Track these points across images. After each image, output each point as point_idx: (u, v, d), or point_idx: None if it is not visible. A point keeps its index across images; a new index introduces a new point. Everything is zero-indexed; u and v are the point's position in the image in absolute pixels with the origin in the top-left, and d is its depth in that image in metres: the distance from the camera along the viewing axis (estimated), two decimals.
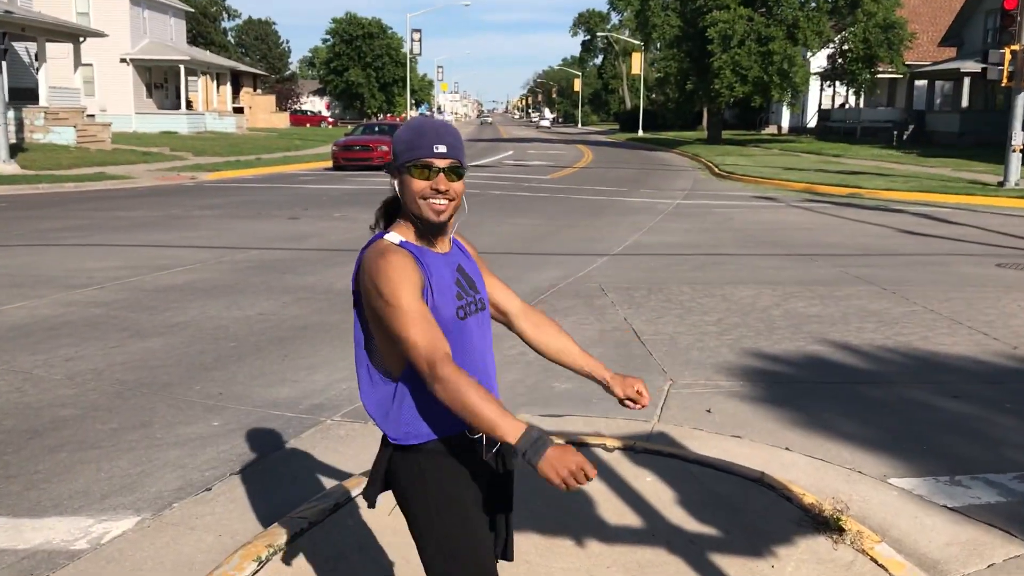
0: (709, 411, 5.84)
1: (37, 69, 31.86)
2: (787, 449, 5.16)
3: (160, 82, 46.61)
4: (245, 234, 13.70)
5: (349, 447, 5.13)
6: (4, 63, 23.83)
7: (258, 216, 16.10)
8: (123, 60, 42.82)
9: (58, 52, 34.35)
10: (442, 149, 2.28)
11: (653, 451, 4.94)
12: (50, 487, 4.54)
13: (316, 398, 6.00)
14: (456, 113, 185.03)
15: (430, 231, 2.33)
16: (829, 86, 50.54)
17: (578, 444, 5.01)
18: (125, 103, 42.79)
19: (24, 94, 31.22)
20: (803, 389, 6.32)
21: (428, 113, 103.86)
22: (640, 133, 68.40)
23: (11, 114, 27.96)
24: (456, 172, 2.31)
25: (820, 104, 54.10)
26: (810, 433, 5.46)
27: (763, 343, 7.50)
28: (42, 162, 24.52)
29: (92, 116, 36.49)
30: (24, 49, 34.01)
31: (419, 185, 2.28)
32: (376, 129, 32.27)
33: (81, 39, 33.66)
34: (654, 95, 77.66)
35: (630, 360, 6.99)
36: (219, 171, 26.05)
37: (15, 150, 25.10)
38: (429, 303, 2.25)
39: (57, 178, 21.87)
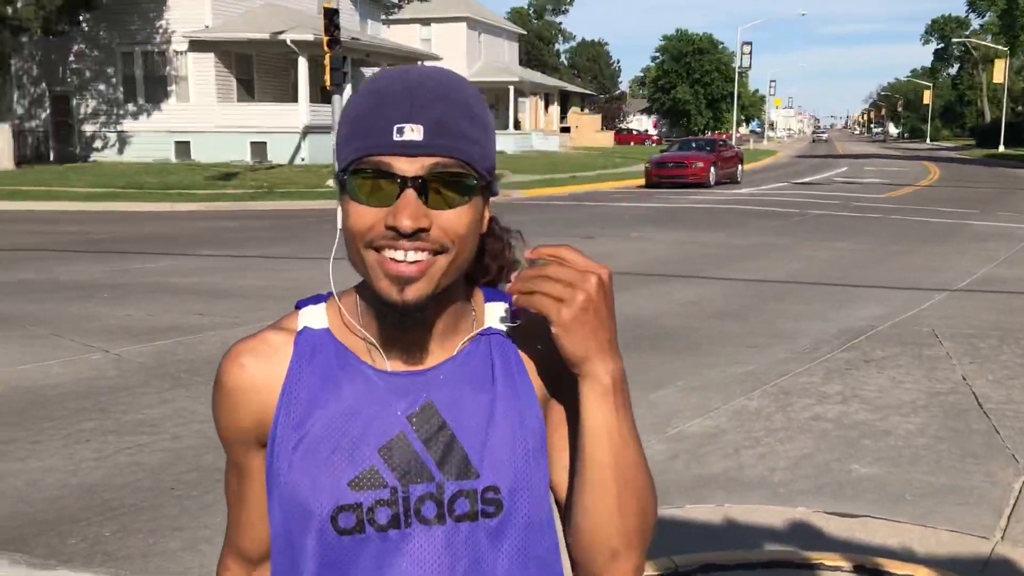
0: None
1: None
2: None
3: (491, 103, 48.63)
4: None
5: None
6: (347, 87, 25.63)
7: (553, 234, 15.53)
8: None
9: None
10: (413, 135, 1.01)
11: None
12: (209, 551, 3.88)
13: None
14: (790, 129, 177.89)
15: (392, 321, 1.09)
16: None
17: (873, 573, 3.51)
18: None
19: None
20: None
21: (746, 131, 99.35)
22: (1001, 149, 60.90)
23: None
24: (451, 185, 1.03)
25: None
26: None
27: None
28: None
29: None
30: (370, 74, 36.65)
31: (361, 219, 1.03)
32: (693, 145, 31.05)
33: (419, 63, 35.76)
34: (1020, 107, 68.97)
35: (965, 438, 5.24)
36: (532, 189, 26.15)
37: None
38: (273, 469, 1.12)
39: None
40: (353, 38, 30.25)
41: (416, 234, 1.01)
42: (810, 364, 6.92)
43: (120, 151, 31.10)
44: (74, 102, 31.74)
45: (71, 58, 31.36)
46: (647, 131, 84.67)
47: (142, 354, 7.03)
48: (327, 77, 22.94)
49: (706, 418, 5.67)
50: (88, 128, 31.70)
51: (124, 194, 21.57)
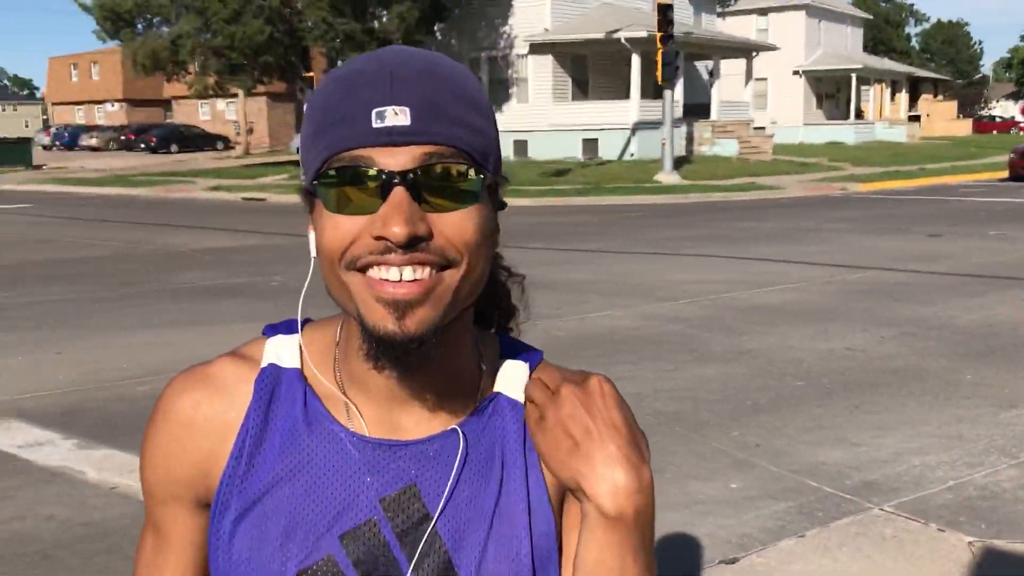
0: None
1: (711, 85, 33.77)
2: None
3: (831, 92, 46.12)
4: (869, 251, 12.24)
5: (888, 555, 3.72)
6: (680, 81, 25.64)
7: (893, 231, 14.41)
8: (795, 72, 43.32)
9: (733, 68, 35.96)
10: (398, 119, 0.78)
11: None
12: None
13: (871, 472, 4.62)
14: None
15: (386, 364, 0.83)
16: None
17: None
18: (794, 114, 43.27)
19: (698, 109, 33.26)
20: None
21: None
22: None
23: (683, 129, 30.08)
24: (452, 180, 0.80)
25: None
26: None
27: None
28: (700, 173, 25.70)
29: (761, 128, 37.49)
30: (703, 67, 36.34)
31: (337, 234, 0.80)
32: None
33: (754, 54, 34.79)
34: None
35: None
36: (872, 182, 24.48)
37: (681, 162, 26.75)
38: (215, 535, 0.89)
39: (708, 188, 22.65)
40: (686, 32, 30.09)
41: (412, 244, 0.77)
42: None
43: None
44: None
45: None
46: (1013, 118, 75.99)
47: None
48: (659, 72, 23.06)
49: None
50: None
51: None
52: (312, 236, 0.85)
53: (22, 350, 7.24)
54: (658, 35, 22.89)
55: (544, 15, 31.55)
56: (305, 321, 0.95)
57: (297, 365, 0.91)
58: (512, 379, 0.92)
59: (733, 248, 12.78)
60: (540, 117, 31.54)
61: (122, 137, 49.41)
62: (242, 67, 30.33)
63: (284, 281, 10.25)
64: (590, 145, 30.77)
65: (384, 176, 0.78)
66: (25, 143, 39.20)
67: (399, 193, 0.77)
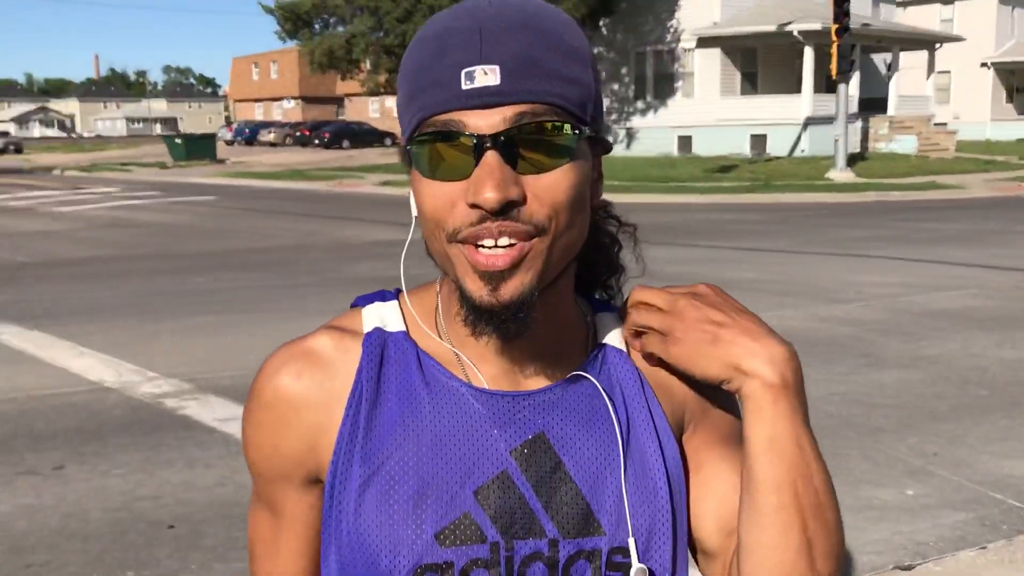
0: None
1: (889, 78, 32.24)
2: None
3: (1021, 85, 43.11)
4: None
5: None
6: (855, 75, 24.64)
7: None
8: (983, 64, 40.76)
9: (914, 61, 34.22)
10: (487, 79, 0.76)
11: None
12: None
13: None
14: None
15: (487, 331, 0.82)
16: None
17: None
18: (980, 110, 40.76)
19: (874, 104, 31.84)
20: None
21: None
22: None
23: (858, 124, 28.86)
24: (546, 141, 0.78)
25: None
26: None
27: None
28: (876, 171, 24.61)
29: (943, 124, 35.51)
30: (881, 60, 34.75)
31: (435, 201, 0.80)
32: None
33: (937, 46, 32.98)
34: None
35: None
36: None
37: (855, 159, 25.70)
38: (333, 513, 0.86)
39: (885, 187, 21.67)
40: (864, 24, 28.87)
41: (505, 210, 0.76)
42: None
43: (628, 146, 33.24)
44: None
45: None
46: None
47: None
48: (833, 66, 22.25)
49: None
50: None
51: (629, 187, 23.06)
52: (412, 197, 0.84)
53: (220, 331, 7.81)
54: (833, 27, 22.07)
55: (713, 8, 30.97)
56: (396, 291, 0.94)
57: (403, 328, 0.89)
58: (611, 329, 0.92)
59: (910, 250, 12.20)
60: (706, 112, 31.01)
61: (297, 133, 51.93)
62: None
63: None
64: (758, 141, 30.02)
65: (475, 139, 0.76)
66: (210, 138, 41.75)
67: (491, 156, 0.76)
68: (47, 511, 4.27)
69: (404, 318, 0.91)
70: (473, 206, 0.77)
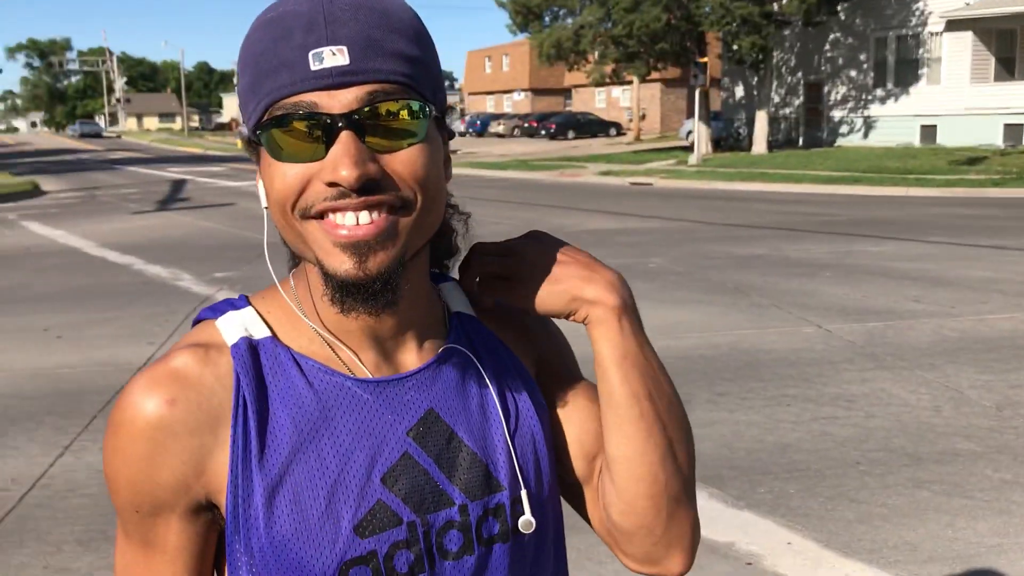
0: None
1: None
2: None
3: None
4: None
5: None
6: None
7: None
8: None
9: None
10: (336, 59, 0.77)
11: None
12: (883, 527, 3.92)
13: None
14: None
15: (354, 308, 0.82)
16: None
17: None
18: None
19: None
20: None
21: None
22: None
23: None
24: (398, 118, 0.80)
25: None
26: None
27: None
28: None
29: None
30: None
31: (287, 183, 0.80)
32: None
33: None
34: None
35: None
36: None
37: None
38: (241, 534, 0.84)
39: None
40: None
41: (365, 187, 0.77)
42: None
43: (865, 135, 31.54)
44: (825, 89, 33.11)
45: (826, 47, 32.72)
46: None
47: (852, 332, 7.21)
48: None
49: None
50: (836, 113, 32.81)
51: (864, 178, 21.92)
52: (261, 187, 0.84)
53: None
54: None
55: None
56: (243, 297, 0.92)
57: (268, 333, 0.87)
58: (456, 298, 0.97)
59: None
60: (953, 100, 28.85)
61: (525, 124, 53.15)
62: (638, 54, 31.19)
63: (661, 263, 10.56)
64: (1013, 131, 27.57)
65: (328, 120, 0.77)
66: None
67: (346, 136, 0.76)
68: None
69: (266, 323, 0.88)
70: (331, 184, 0.77)
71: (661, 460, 0.90)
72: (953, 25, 29.00)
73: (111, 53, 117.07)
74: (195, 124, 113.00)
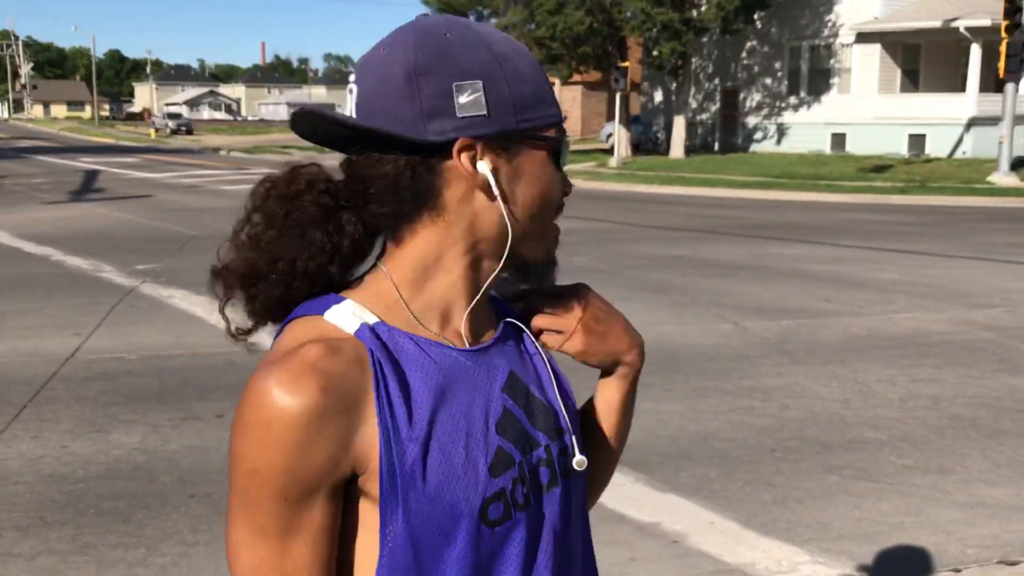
0: None
1: None
2: None
3: None
4: None
5: None
6: None
7: None
8: None
9: None
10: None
11: None
12: (798, 508, 4.20)
13: None
14: None
15: (534, 279, 1.12)
16: None
17: None
18: None
19: None
20: None
21: None
22: None
23: (1020, 128, 27.24)
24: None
25: None
26: None
27: None
28: None
29: None
30: None
31: (557, 187, 1.07)
32: None
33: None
34: None
35: None
36: None
37: (1022, 163, 24.36)
38: (399, 490, 0.95)
39: None
40: None
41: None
42: None
43: (778, 142, 32.52)
44: (741, 96, 34.03)
45: (743, 54, 33.62)
46: None
47: (767, 329, 7.57)
48: (1002, 64, 21.22)
49: None
50: (751, 120, 33.74)
51: (777, 183, 22.67)
52: (492, 178, 0.99)
53: None
54: (1003, 23, 21.02)
55: (874, 2, 29.91)
56: (333, 295, 1.03)
57: (377, 319, 1.00)
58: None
59: None
60: (862, 109, 29.99)
61: None
62: (561, 57, 31.58)
63: (586, 262, 10.82)
64: (917, 141, 28.81)
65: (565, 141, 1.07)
66: None
67: None
68: (209, 451, 4.79)
69: (373, 312, 1.01)
70: (564, 193, 1.09)
71: (613, 467, 1.26)
72: (863, 37, 30.15)
73: (16, 37, 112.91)
74: (105, 113, 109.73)
